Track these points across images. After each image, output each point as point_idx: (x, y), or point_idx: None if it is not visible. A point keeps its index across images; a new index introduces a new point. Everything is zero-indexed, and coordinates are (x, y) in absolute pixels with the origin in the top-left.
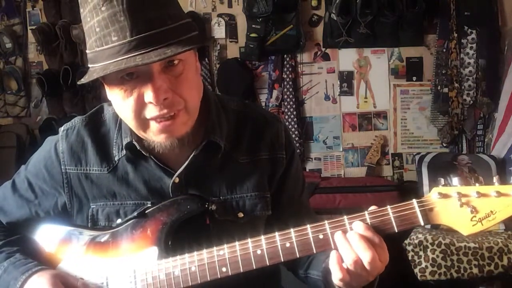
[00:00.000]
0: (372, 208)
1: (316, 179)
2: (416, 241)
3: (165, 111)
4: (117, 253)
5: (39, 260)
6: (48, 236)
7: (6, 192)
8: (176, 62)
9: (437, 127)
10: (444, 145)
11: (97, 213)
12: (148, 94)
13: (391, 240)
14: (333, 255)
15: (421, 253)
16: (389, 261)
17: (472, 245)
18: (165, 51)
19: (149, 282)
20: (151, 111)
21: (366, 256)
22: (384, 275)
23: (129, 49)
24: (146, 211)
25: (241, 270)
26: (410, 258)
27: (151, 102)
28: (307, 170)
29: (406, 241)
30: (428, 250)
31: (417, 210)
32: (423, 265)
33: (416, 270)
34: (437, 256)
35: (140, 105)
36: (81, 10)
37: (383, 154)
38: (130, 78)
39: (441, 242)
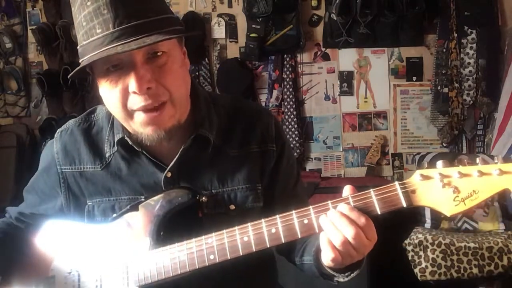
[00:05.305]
0: (348, 187)
1: (316, 179)
2: (416, 241)
3: (149, 101)
4: (111, 246)
5: (32, 257)
6: (45, 232)
7: (25, 194)
8: (159, 53)
9: (437, 127)
10: (444, 145)
11: (93, 209)
12: (132, 84)
13: (391, 240)
14: (323, 236)
15: (421, 253)
16: (389, 261)
17: (472, 245)
18: (144, 40)
19: (140, 271)
20: (136, 102)
21: (349, 232)
22: (384, 275)
23: (112, 40)
24: (139, 205)
25: (229, 257)
26: (410, 258)
27: (135, 92)
28: (307, 170)
29: (406, 241)
30: (428, 250)
31: (399, 192)
32: (423, 265)
33: (416, 270)
34: (437, 256)
35: (125, 96)
36: (72, 9)
37: (383, 154)
38: (115, 69)
39: (441, 242)
